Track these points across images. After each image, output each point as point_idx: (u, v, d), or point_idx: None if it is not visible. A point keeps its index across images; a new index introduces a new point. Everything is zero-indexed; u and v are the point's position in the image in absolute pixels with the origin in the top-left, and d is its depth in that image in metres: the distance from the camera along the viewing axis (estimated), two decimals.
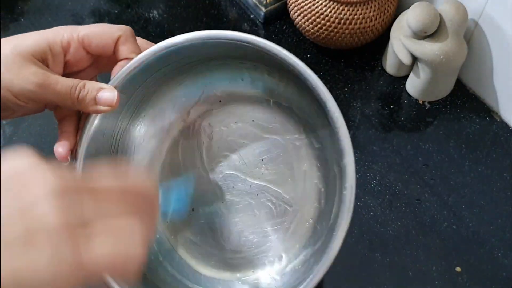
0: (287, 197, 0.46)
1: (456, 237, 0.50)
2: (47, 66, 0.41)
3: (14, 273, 0.24)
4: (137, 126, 0.47)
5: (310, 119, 0.45)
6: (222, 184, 0.47)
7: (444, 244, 0.49)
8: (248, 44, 0.40)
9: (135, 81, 0.43)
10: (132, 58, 0.42)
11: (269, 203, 0.46)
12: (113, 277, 0.34)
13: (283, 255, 0.45)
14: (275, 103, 0.47)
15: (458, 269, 0.48)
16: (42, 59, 0.40)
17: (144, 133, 0.48)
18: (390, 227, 0.50)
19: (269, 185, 0.47)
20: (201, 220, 0.47)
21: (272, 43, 0.40)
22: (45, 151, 0.56)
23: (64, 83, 0.40)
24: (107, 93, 0.41)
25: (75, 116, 0.44)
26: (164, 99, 0.48)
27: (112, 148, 0.46)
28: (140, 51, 0.43)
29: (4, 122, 0.56)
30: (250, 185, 0.47)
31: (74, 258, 0.24)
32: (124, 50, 0.42)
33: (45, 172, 0.26)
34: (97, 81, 0.46)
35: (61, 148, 0.42)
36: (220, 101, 0.48)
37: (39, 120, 0.56)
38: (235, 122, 0.48)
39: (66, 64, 0.42)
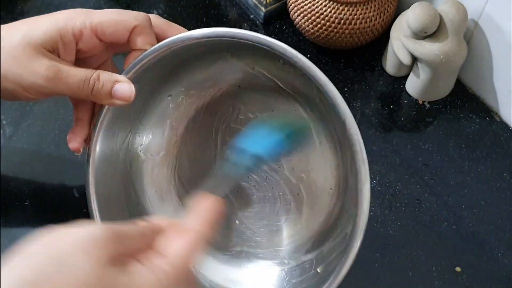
0: (304, 193, 0.45)
1: (456, 237, 0.50)
2: (58, 55, 0.39)
3: None
4: (152, 109, 0.46)
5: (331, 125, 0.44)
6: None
7: (444, 244, 0.49)
8: (269, 49, 0.39)
9: (149, 71, 0.41)
10: (146, 50, 0.40)
11: (284, 197, 0.46)
12: None
13: (292, 251, 0.45)
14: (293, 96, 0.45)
15: (458, 269, 0.48)
16: (53, 48, 0.38)
17: (158, 118, 0.47)
18: (390, 227, 0.50)
19: (283, 179, 0.46)
20: None
21: (297, 53, 0.38)
22: (45, 151, 0.56)
23: (76, 76, 0.38)
24: (124, 86, 0.38)
25: (90, 101, 0.42)
26: (179, 83, 0.46)
27: (127, 132, 0.45)
28: (155, 42, 0.40)
29: (4, 122, 0.56)
30: (266, 178, 0.46)
31: None
32: (138, 41, 0.39)
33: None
34: (112, 62, 0.44)
35: (73, 140, 0.41)
36: (239, 86, 0.46)
37: (39, 120, 0.56)
38: (253, 112, 0.46)
39: (78, 51, 0.40)
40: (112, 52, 0.43)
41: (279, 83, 0.45)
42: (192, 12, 0.67)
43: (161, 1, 0.68)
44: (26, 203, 0.50)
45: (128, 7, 0.67)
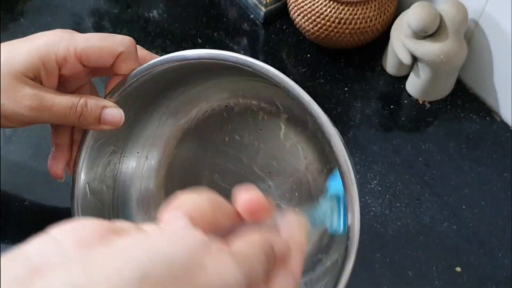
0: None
1: (456, 237, 0.50)
2: (40, 82, 0.38)
3: None
4: (139, 131, 0.46)
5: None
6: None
7: (444, 244, 0.49)
8: (255, 71, 0.37)
9: (133, 93, 0.41)
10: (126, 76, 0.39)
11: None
12: None
13: None
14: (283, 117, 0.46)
15: (458, 269, 0.48)
16: (35, 76, 0.37)
17: (145, 140, 0.47)
18: (390, 227, 0.50)
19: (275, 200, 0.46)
20: None
21: (278, 72, 0.36)
22: (44, 152, 0.56)
23: (61, 104, 0.37)
24: (113, 111, 0.38)
25: (71, 126, 0.41)
26: (164, 104, 0.46)
27: (113, 155, 0.45)
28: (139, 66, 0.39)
29: None
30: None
31: None
32: (123, 67, 0.39)
33: None
34: (91, 84, 0.43)
35: (54, 167, 0.40)
36: (226, 106, 0.46)
37: None
38: (241, 135, 0.46)
39: (60, 76, 0.39)
40: (93, 76, 0.43)
41: (263, 104, 0.45)
42: (192, 12, 0.67)
43: (161, 1, 0.68)
44: (26, 203, 0.50)
45: (128, 7, 0.67)
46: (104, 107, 0.38)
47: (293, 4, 0.59)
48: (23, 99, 0.36)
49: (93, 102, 0.38)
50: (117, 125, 0.39)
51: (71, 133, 0.41)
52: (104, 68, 0.39)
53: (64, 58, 0.37)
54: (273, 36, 0.64)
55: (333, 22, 0.57)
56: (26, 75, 0.37)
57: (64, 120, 0.38)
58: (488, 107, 0.58)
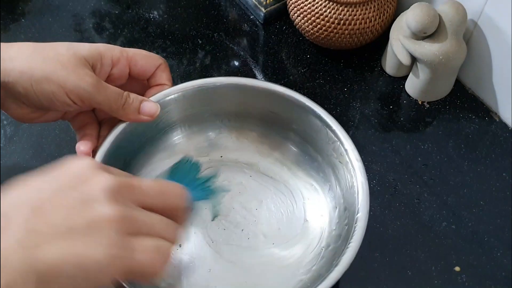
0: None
1: (455, 237, 0.50)
2: (94, 73, 0.43)
3: (75, 258, 0.28)
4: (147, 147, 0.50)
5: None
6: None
7: (443, 244, 0.50)
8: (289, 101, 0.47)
9: (163, 108, 0.46)
10: (166, 85, 0.47)
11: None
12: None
13: None
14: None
15: (457, 268, 0.48)
16: (92, 65, 0.42)
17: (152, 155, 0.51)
18: (390, 227, 0.51)
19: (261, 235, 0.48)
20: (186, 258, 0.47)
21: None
22: (45, 152, 0.56)
23: (113, 89, 0.43)
24: (151, 104, 0.45)
25: (96, 123, 0.46)
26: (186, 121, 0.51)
27: (127, 161, 0.48)
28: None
29: (5, 122, 0.56)
30: (242, 229, 0.48)
31: (123, 251, 0.30)
32: (163, 76, 0.46)
33: (101, 171, 0.32)
34: None
35: (83, 147, 0.44)
36: (221, 156, 0.52)
37: None
38: (245, 171, 0.51)
39: (108, 76, 0.44)
40: (128, 88, 0.47)
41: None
42: (193, 12, 0.67)
43: (161, 2, 0.68)
44: None
45: (128, 7, 0.67)
46: (143, 100, 0.45)
47: (292, 5, 0.60)
48: (86, 76, 0.41)
49: (134, 95, 0.44)
50: (152, 116, 0.44)
51: (98, 128, 0.46)
52: (141, 79, 0.47)
53: (118, 59, 0.44)
54: (273, 36, 0.65)
55: (333, 23, 0.57)
56: (87, 61, 0.42)
57: (111, 104, 0.42)
58: (487, 107, 0.59)
